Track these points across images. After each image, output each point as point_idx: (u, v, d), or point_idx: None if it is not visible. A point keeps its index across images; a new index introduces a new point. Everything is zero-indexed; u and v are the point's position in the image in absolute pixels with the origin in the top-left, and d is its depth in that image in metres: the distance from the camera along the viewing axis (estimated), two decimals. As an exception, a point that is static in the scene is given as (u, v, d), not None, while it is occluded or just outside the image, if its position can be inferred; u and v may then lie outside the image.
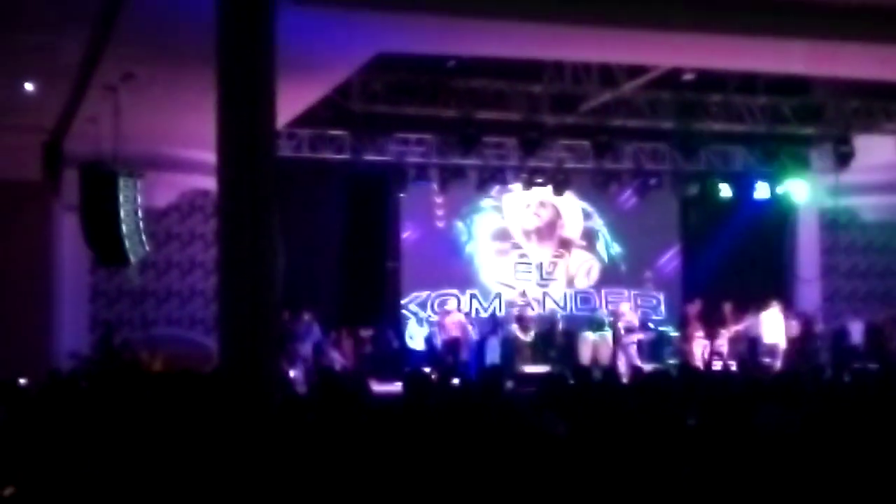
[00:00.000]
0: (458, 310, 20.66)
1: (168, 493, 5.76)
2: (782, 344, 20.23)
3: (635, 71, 16.41)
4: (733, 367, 19.48)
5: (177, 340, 18.36)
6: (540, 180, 20.68)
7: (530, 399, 9.03)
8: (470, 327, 20.27)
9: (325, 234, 20.99)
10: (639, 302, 22.87)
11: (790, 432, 6.47)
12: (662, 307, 23.35)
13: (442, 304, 21.15)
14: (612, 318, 20.84)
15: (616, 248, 23.24)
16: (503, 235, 22.45)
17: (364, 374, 18.37)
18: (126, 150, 13.50)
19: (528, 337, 20.40)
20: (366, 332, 20.18)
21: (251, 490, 5.86)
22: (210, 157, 8.79)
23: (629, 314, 20.79)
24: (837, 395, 9.39)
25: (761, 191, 22.15)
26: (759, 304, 21.78)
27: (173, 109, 14.49)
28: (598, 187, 21.58)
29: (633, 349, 20.17)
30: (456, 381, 11.84)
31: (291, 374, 18.15)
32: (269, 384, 7.91)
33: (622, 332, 20.25)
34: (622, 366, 19.35)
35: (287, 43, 8.57)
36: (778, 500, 5.52)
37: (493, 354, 20.21)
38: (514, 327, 20.45)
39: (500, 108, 16.81)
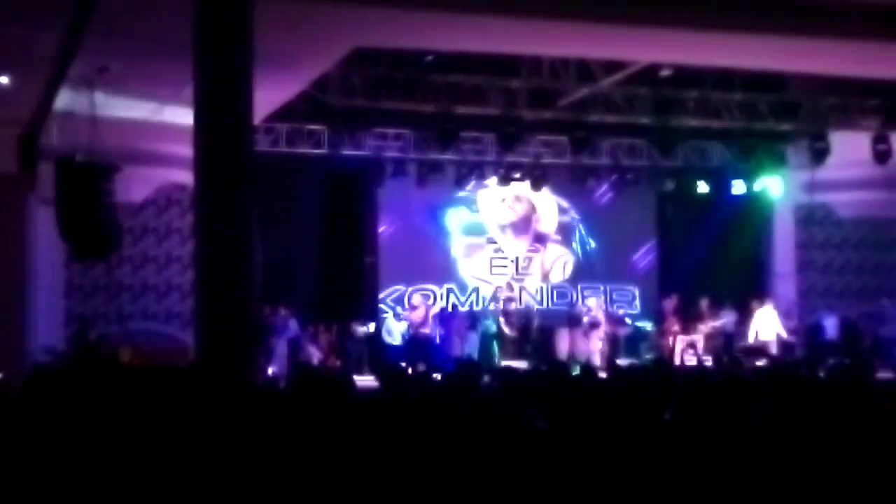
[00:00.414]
0: (425, 304, 20.65)
1: (145, 488, 5.74)
2: (773, 341, 20.42)
3: (612, 67, 16.47)
4: (708, 362, 19.57)
5: (153, 335, 18.29)
6: (517, 175, 20.71)
7: (511, 394, 9.05)
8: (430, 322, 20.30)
9: (302, 228, 20.95)
10: (614, 297, 22.93)
11: (768, 427, 6.52)
12: (637, 302, 23.41)
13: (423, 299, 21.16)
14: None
15: (592, 243, 23.31)
16: (478, 230, 22.47)
17: (347, 369, 18.44)
18: (102, 144, 13.42)
19: (513, 331, 20.45)
20: (362, 328, 20.18)
21: (228, 485, 5.84)
22: (187, 150, 8.76)
23: (595, 309, 20.86)
24: (812, 390, 9.45)
25: (738, 187, 22.27)
26: (736, 299, 21.96)
27: (149, 102, 14.42)
28: (575, 182, 21.64)
29: (598, 344, 20.26)
30: (437, 375, 11.83)
31: (269, 370, 18.14)
32: (245, 379, 7.90)
33: (587, 326, 20.37)
34: (597, 360, 19.44)
35: (264, 37, 8.54)
36: (756, 495, 5.55)
37: (471, 349, 20.25)
38: (501, 321, 20.47)
39: (477, 103, 16.83)
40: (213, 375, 7.80)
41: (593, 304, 21.15)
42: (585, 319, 20.42)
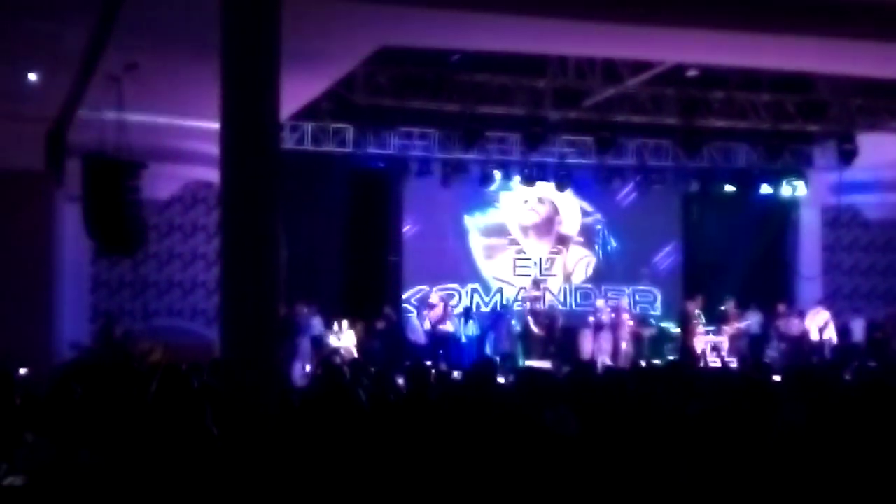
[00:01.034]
0: (444, 302, 20.66)
1: (169, 486, 5.76)
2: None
3: (639, 67, 16.40)
4: (733, 364, 19.48)
5: (178, 332, 18.36)
6: (542, 175, 20.68)
7: (537, 396, 9.03)
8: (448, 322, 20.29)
9: (326, 226, 20.99)
10: (637, 298, 22.85)
11: (796, 429, 6.48)
12: (658, 303, 23.33)
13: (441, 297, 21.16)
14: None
15: (614, 244, 23.24)
16: (501, 231, 22.45)
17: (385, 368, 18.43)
18: (129, 141, 13.48)
19: (541, 331, 20.41)
20: (387, 325, 20.18)
21: (253, 481, 5.86)
22: (213, 148, 8.78)
23: (604, 310, 20.79)
24: (838, 393, 9.39)
25: (764, 188, 22.15)
26: (762, 301, 21.87)
27: (177, 100, 14.48)
28: (600, 183, 21.58)
29: (622, 345, 20.20)
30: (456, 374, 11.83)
31: (298, 366, 18.20)
32: (270, 376, 7.91)
33: (610, 327, 20.34)
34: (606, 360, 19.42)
35: (291, 35, 8.55)
36: (781, 496, 5.53)
37: (491, 348, 20.24)
38: (529, 320, 20.43)
39: (503, 102, 16.81)
40: (238, 373, 7.82)
41: (601, 305, 21.06)
42: (591, 319, 20.40)
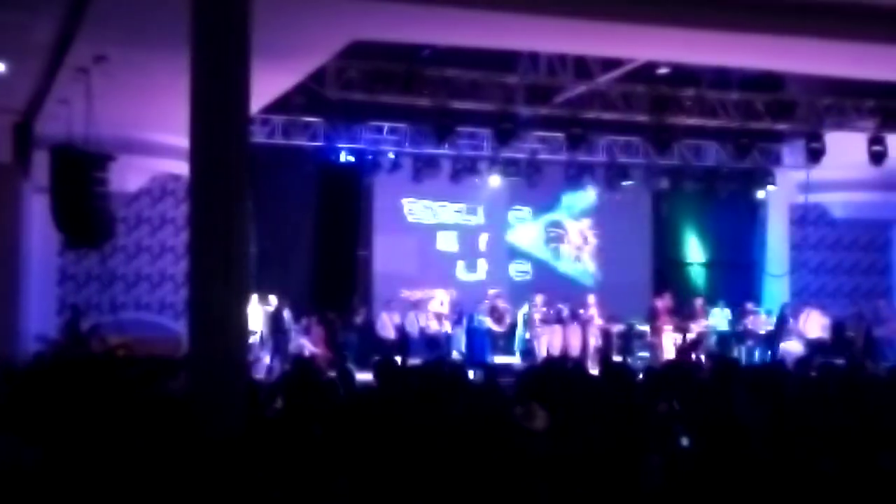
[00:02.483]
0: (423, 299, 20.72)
1: (136, 480, 5.73)
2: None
3: (610, 64, 16.45)
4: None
5: (145, 325, 18.28)
6: (513, 171, 20.72)
7: (509, 390, 9.06)
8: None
9: (296, 221, 20.94)
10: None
11: (759, 424, 6.54)
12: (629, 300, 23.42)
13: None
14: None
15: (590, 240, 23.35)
16: (471, 227, 22.49)
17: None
18: (98, 133, 13.38)
19: (503, 328, 20.49)
20: (357, 319, 20.13)
21: (221, 475, 5.84)
22: (183, 141, 8.74)
23: (590, 306, 20.88)
24: (803, 388, 9.48)
25: (733, 186, 22.28)
26: (730, 299, 22.03)
27: (146, 92, 14.38)
28: (570, 179, 21.62)
29: (591, 341, 20.30)
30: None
31: (267, 360, 18.16)
32: (238, 370, 7.88)
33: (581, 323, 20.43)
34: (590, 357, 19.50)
35: (262, 28, 8.52)
36: (743, 490, 5.57)
37: (458, 345, 20.27)
38: (487, 319, 20.48)
39: (474, 98, 16.79)
40: (206, 367, 7.78)
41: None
42: (537, 316, 20.47)
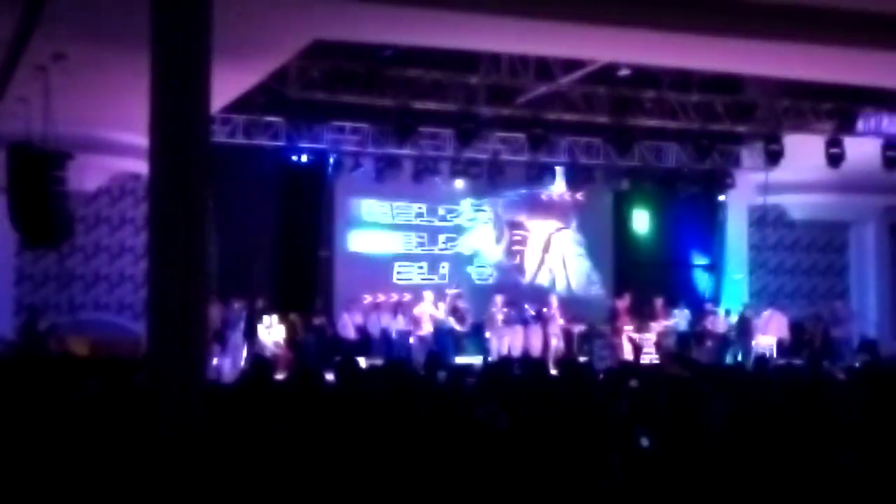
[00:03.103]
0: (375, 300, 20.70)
1: (94, 480, 5.68)
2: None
3: (571, 65, 16.51)
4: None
5: (104, 326, 18.14)
6: (475, 171, 20.74)
7: (470, 390, 9.07)
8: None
9: (258, 221, 20.85)
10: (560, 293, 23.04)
11: (716, 424, 6.58)
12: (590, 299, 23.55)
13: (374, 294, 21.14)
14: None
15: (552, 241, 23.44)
16: (433, 227, 22.51)
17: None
18: (56, 132, 13.25)
19: (465, 328, 20.52)
20: (318, 320, 20.06)
21: (179, 477, 5.80)
22: (142, 140, 8.67)
23: (551, 306, 21.00)
24: (761, 389, 9.56)
25: (693, 187, 22.44)
26: (690, 299, 22.23)
27: (105, 91, 14.27)
28: (532, 180, 21.68)
29: (553, 341, 20.40)
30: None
31: (226, 361, 18.07)
32: (198, 371, 7.83)
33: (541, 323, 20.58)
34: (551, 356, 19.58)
35: (223, 27, 8.47)
36: (711, 489, 5.61)
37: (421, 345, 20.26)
38: (450, 319, 20.51)
39: (436, 98, 16.80)
40: (165, 368, 7.73)
41: (551, 300, 21.28)
42: (500, 317, 20.56)
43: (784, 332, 21.56)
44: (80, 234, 18.51)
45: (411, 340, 19.82)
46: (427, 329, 20.08)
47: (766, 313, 21.60)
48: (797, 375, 11.44)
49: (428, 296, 20.60)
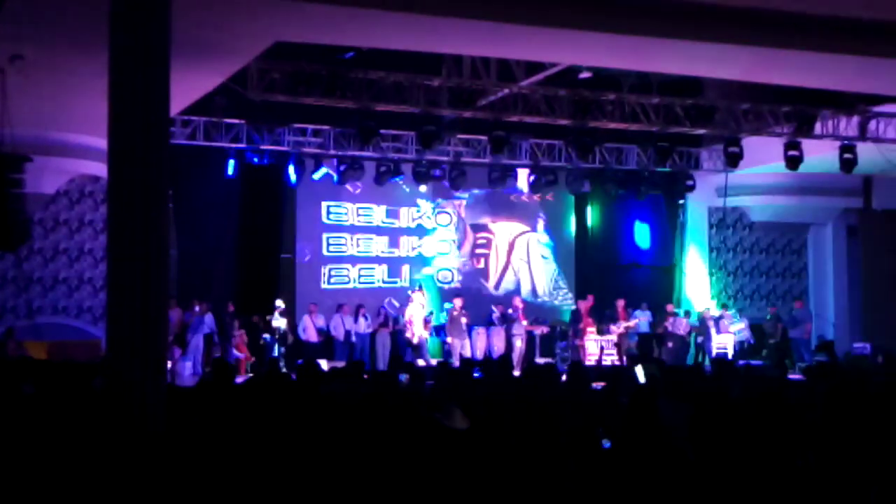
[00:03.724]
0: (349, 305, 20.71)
1: (53, 485, 5.63)
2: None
3: (533, 67, 16.56)
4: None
5: (63, 329, 17.98)
6: (437, 174, 20.74)
7: (431, 392, 9.08)
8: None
9: (218, 223, 20.71)
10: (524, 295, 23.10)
11: (681, 425, 6.62)
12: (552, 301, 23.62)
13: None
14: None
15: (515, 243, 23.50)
16: (395, 229, 22.49)
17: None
18: (13, 134, 13.10)
19: (428, 331, 20.53)
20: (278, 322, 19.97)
21: (137, 480, 5.76)
22: (102, 142, 8.61)
23: (515, 308, 21.11)
24: (721, 390, 9.64)
25: (653, 189, 22.56)
26: (651, 301, 22.38)
27: (64, 93, 14.14)
28: (493, 182, 21.71)
29: (516, 342, 20.49)
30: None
31: (186, 364, 17.97)
32: (156, 374, 7.78)
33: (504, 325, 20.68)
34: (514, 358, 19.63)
35: (183, 28, 8.43)
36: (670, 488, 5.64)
37: (383, 349, 20.26)
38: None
39: (398, 100, 16.78)
40: (124, 371, 7.67)
41: (515, 302, 21.35)
42: (462, 319, 20.62)
43: (742, 334, 21.79)
44: (38, 237, 18.36)
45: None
46: (419, 332, 20.12)
47: (725, 314, 21.83)
48: (756, 376, 11.55)
49: (417, 297, 20.63)
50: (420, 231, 22.65)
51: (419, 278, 22.14)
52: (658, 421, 6.89)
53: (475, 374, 13.07)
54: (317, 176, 20.62)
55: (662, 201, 23.65)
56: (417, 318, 20.28)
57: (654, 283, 23.96)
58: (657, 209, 24.04)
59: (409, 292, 21.31)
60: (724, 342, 21.00)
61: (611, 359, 20.37)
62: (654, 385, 9.75)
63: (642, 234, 24.30)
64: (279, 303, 19.69)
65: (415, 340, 20.17)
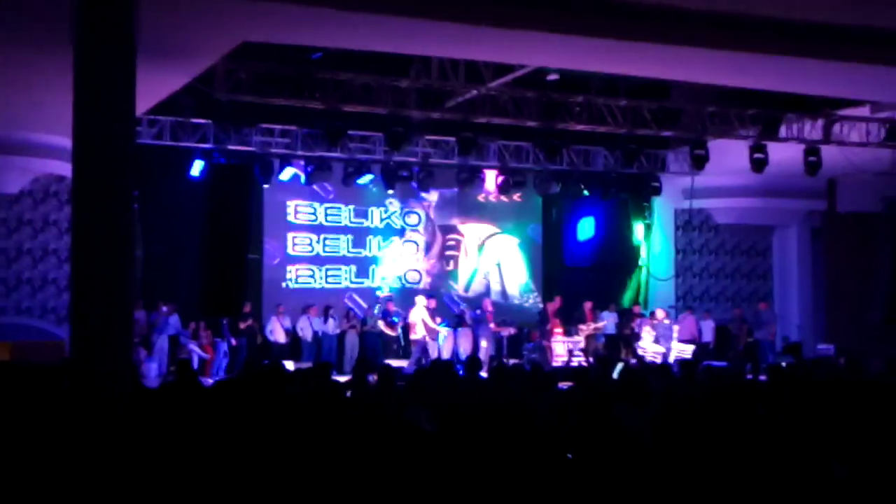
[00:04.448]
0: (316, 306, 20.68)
1: (19, 487, 5.58)
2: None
3: (501, 69, 16.59)
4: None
5: (27, 330, 17.81)
6: (405, 175, 20.73)
7: (399, 393, 9.06)
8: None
9: (185, 224, 20.60)
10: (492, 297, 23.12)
11: (641, 425, 6.64)
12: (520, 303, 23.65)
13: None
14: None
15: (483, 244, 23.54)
16: (363, 229, 22.46)
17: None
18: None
19: (395, 332, 20.51)
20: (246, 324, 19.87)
21: (99, 482, 5.72)
22: (66, 141, 8.54)
23: (483, 310, 21.15)
24: (686, 391, 9.68)
25: (620, 191, 22.64)
26: (619, 302, 22.48)
27: (28, 91, 14.01)
28: (462, 183, 21.72)
29: (483, 344, 20.53)
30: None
31: (152, 366, 17.85)
32: (121, 376, 7.72)
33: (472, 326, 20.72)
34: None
35: (149, 27, 8.37)
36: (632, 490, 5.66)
37: (352, 349, 20.22)
38: (380, 323, 20.48)
39: (366, 101, 16.74)
40: (88, 373, 7.60)
41: (483, 304, 21.37)
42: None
43: (704, 335, 21.96)
44: (1, 237, 18.18)
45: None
46: (421, 333, 20.09)
47: (687, 316, 22.00)
48: (721, 378, 11.61)
49: (420, 300, 20.63)
50: (387, 231, 22.63)
51: (382, 283, 22.15)
52: (622, 424, 6.92)
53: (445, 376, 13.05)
54: (285, 177, 20.52)
55: (629, 203, 23.74)
56: (420, 321, 20.23)
57: (622, 285, 24.06)
58: (624, 211, 24.15)
59: (378, 294, 21.27)
60: (680, 345, 21.06)
61: (579, 360, 20.40)
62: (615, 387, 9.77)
63: (586, 229, 24.43)
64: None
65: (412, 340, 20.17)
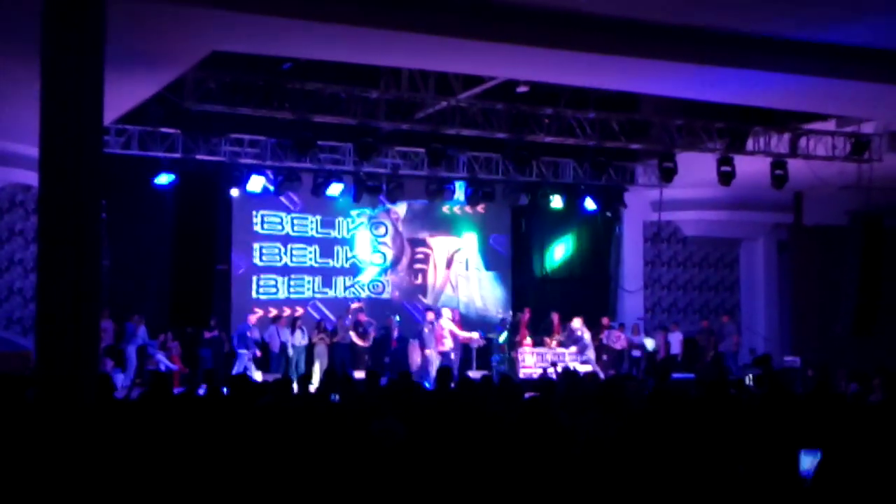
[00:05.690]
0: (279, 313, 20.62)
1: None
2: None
3: (471, 81, 16.65)
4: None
5: (-8, 341, 17.65)
6: (374, 185, 20.72)
7: (368, 404, 9.05)
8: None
9: (153, 234, 20.47)
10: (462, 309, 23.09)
11: (607, 437, 6.66)
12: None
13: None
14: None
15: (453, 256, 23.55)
16: (330, 240, 22.41)
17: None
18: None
19: (367, 343, 20.45)
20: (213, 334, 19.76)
21: (64, 493, 5.67)
22: (33, 150, 8.46)
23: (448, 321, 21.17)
24: (651, 403, 9.71)
25: (589, 203, 22.74)
26: (587, 313, 22.55)
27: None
28: (431, 195, 21.74)
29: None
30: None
31: (119, 376, 17.74)
32: (87, 388, 7.65)
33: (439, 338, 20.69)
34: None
35: (118, 36, 8.33)
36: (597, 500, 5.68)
37: (321, 360, 20.15)
38: (351, 334, 20.42)
39: (335, 112, 16.75)
40: (53, 385, 7.53)
41: (449, 316, 21.36)
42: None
43: (672, 347, 22.12)
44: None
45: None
46: (449, 345, 20.06)
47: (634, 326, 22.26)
48: (689, 390, 11.68)
49: (446, 312, 20.66)
50: (354, 242, 22.58)
51: (349, 294, 22.14)
52: (591, 434, 6.94)
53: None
54: (254, 187, 20.42)
55: (598, 215, 23.85)
56: (447, 332, 20.31)
57: (590, 296, 24.14)
58: (593, 223, 24.24)
59: (351, 305, 21.25)
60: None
61: (550, 370, 20.44)
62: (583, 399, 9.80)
63: (562, 251, 24.58)
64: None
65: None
